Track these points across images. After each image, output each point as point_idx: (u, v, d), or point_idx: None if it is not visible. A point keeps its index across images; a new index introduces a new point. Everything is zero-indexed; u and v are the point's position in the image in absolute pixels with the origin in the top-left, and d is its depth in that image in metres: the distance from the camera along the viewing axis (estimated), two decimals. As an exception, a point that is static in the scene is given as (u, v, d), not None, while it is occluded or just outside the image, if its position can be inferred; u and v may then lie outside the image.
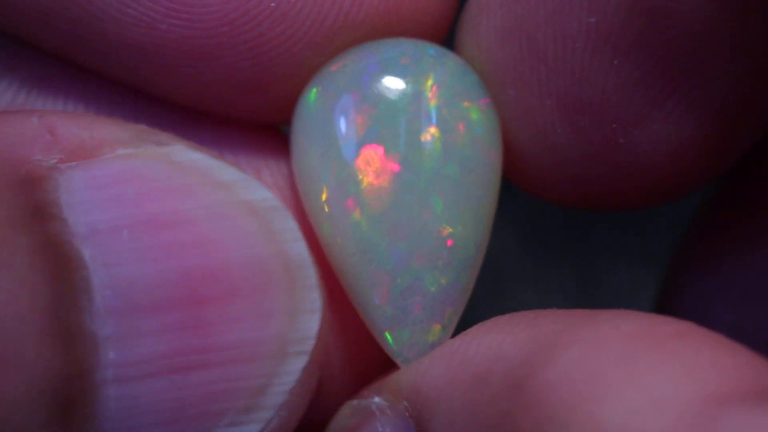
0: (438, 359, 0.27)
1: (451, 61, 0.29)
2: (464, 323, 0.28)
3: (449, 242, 0.28)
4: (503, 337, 0.26)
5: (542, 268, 0.56)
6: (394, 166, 0.28)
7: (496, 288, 0.55)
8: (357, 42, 0.29)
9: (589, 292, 0.55)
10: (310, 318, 0.27)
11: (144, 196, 0.26)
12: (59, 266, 0.25)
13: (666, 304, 0.36)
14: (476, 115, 0.29)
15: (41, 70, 0.30)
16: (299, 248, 0.27)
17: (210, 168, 0.27)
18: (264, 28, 0.28)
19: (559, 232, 0.56)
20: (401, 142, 0.28)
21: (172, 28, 0.28)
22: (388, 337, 0.29)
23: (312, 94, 0.29)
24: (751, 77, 0.28)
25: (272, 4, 0.28)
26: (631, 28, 0.27)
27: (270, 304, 0.26)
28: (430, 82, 0.29)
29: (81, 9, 0.28)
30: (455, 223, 0.29)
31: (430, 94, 0.29)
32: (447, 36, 0.31)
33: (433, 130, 0.29)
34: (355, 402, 0.29)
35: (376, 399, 0.28)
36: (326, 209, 0.29)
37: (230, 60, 0.29)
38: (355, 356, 0.29)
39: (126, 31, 0.28)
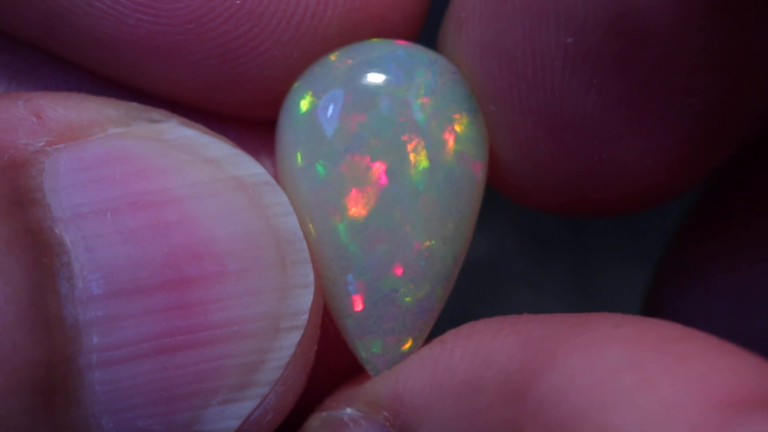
0: (420, 367, 0.27)
1: (443, 69, 0.29)
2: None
3: (427, 255, 0.28)
4: (489, 344, 0.26)
5: (538, 270, 0.56)
6: (380, 176, 0.28)
7: (492, 289, 0.55)
8: (326, 42, 0.29)
9: (585, 294, 0.55)
10: (302, 293, 0.27)
11: (130, 176, 0.26)
12: (39, 253, 0.25)
13: (649, 314, 0.36)
14: (464, 128, 0.29)
15: (22, 59, 0.30)
16: (290, 223, 0.27)
17: (201, 144, 0.27)
18: (230, 26, 0.28)
19: (554, 234, 0.56)
20: (388, 151, 0.28)
21: (139, 23, 0.28)
22: (359, 345, 0.29)
23: (299, 94, 0.29)
24: (727, 91, 0.28)
25: (237, 2, 0.28)
26: (608, 49, 0.27)
27: (260, 281, 0.26)
28: (421, 92, 0.29)
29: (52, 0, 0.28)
30: (435, 236, 0.28)
31: (420, 104, 0.28)
32: (417, 39, 0.31)
33: (421, 141, 0.28)
34: (324, 414, 0.29)
35: (349, 410, 0.28)
36: (307, 213, 0.28)
37: (198, 57, 0.29)
38: (319, 363, 0.29)
39: (96, 25, 0.28)
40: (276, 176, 0.29)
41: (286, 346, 0.27)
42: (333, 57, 0.29)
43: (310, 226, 0.28)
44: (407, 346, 0.29)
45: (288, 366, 0.27)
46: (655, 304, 0.36)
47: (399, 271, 0.28)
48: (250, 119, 0.31)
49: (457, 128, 0.29)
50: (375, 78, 0.29)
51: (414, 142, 0.28)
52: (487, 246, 0.55)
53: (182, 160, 0.26)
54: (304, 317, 0.27)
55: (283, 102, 0.29)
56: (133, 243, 0.25)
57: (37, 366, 0.24)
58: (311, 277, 0.27)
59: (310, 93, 0.29)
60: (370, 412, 0.28)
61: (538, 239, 0.56)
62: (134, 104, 0.27)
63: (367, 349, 0.29)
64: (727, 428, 0.21)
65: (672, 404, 0.22)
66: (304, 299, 0.27)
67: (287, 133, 0.29)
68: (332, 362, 0.30)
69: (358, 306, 0.28)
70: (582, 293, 0.56)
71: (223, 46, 0.28)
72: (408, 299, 0.28)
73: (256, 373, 0.26)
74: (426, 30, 0.31)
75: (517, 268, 0.55)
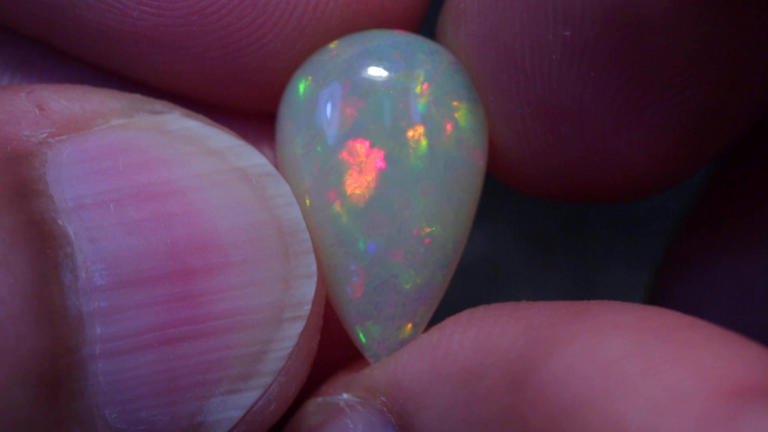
0: (419, 353, 0.27)
1: (443, 58, 0.29)
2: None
3: (427, 241, 0.28)
4: (490, 330, 0.26)
5: (538, 268, 0.56)
6: (379, 162, 0.28)
7: (492, 288, 0.55)
8: (328, 34, 0.29)
9: (585, 292, 0.55)
10: (305, 283, 0.27)
11: (134, 167, 0.26)
12: (42, 244, 0.25)
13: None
14: (464, 116, 0.29)
15: (25, 53, 0.30)
16: (293, 213, 0.27)
17: (204, 135, 0.27)
18: (233, 17, 0.28)
19: (555, 233, 0.56)
20: (387, 138, 0.28)
21: (143, 16, 0.28)
22: (359, 331, 0.29)
23: (300, 82, 0.29)
24: (723, 83, 0.28)
25: None
26: (606, 42, 0.27)
27: (263, 271, 0.26)
28: (420, 79, 0.29)
29: None
30: (435, 222, 0.28)
31: (419, 92, 0.29)
32: (418, 29, 0.31)
33: (420, 128, 0.28)
34: (319, 399, 0.29)
35: (345, 395, 0.28)
36: (306, 199, 0.28)
37: (202, 49, 0.29)
38: (321, 353, 0.29)
39: (100, 17, 0.28)
40: (276, 165, 0.29)
41: (288, 337, 0.27)
42: (333, 45, 0.29)
43: (310, 212, 0.28)
44: (407, 332, 0.29)
45: (291, 356, 0.27)
46: (656, 298, 0.36)
47: (398, 257, 0.28)
48: (252, 112, 0.31)
49: (457, 116, 0.29)
50: (375, 65, 0.29)
51: (413, 128, 0.28)
52: (487, 245, 0.55)
53: (185, 152, 0.26)
54: (307, 307, 0.27)
55: (284, 90, 0.30)
56: (137, 234, 0.26)
57: (40, 357, 0.24)
58: (314, 267, 0.27)
59: (310, 80, 0.29)
60: (368, 398, 0.28)
61: (538, 239, 0.56)
62: (137, 96, 0.28)
63: (367, 334, 0.29)
64: (733, 417, 0.21)
65: (677, 392, 0.22)
66: (307, 289, 0.27)
67: (287, 120, 0.29)
68: (335, 352, 0.30)
69: (358, 291, 0.28)
70: (582, 293, 0.56)
71: (225, 38, 0.29)
72: (408, 285, 0.28)
73: (260, 363, 0.26)
74: (424, 21, 0.31)
75: (517, 267, 0.55)
